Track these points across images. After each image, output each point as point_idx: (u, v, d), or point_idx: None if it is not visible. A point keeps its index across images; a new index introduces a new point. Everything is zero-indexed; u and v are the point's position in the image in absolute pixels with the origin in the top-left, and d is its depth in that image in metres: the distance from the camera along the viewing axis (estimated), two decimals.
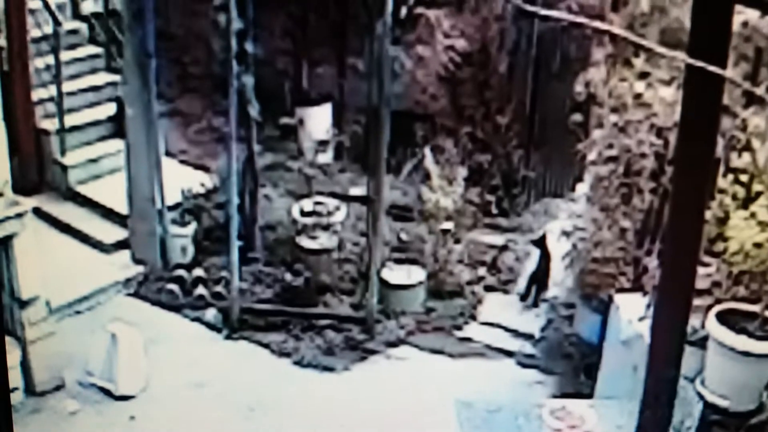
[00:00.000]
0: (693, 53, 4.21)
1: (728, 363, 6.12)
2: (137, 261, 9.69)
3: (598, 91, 8.40)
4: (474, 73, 10.70)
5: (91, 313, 9.11)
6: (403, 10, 9.34)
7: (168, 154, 10.60)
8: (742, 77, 6.98)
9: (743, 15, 6.92)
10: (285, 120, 11.25)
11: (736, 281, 6.57)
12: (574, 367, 8.62)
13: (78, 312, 9.09)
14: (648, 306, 6.94)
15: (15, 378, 7.80)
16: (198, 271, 9.58)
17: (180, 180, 10.13)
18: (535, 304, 9.54)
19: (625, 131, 8.03)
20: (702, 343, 6.31)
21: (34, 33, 10.20)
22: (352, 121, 11.40)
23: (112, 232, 9.94)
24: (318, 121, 11.38)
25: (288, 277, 9.38)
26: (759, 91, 6.72)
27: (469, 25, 10.51)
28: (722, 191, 6.67)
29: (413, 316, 9.32)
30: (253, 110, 9.29)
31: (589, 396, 7.71)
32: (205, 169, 10.59)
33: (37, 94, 10.30)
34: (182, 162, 10.96)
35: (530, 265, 9.83)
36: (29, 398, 8.03)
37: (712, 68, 4.04)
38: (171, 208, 9.73)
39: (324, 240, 9.56)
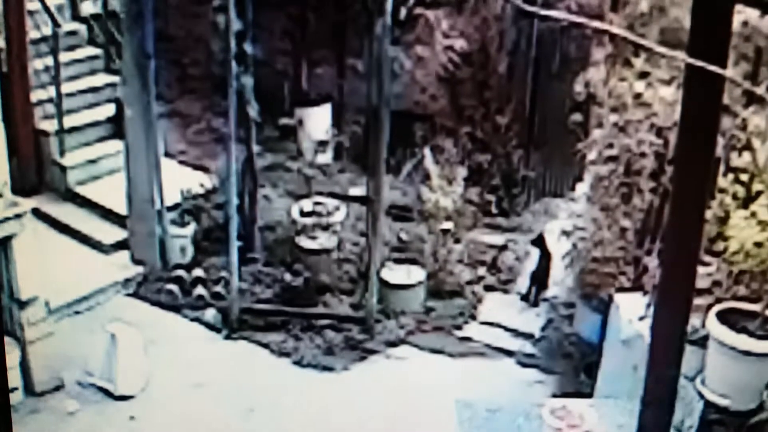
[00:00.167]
0: (693, 53, 4.21)
1: (729, 362, 6.12)
2: (136, 261, 9.68)
3: (598, 91, 8.40)
4: (473, 73, 10.69)
5: (90, 314, 9.10)
6: (403, 11, 9.34)
7: (167, 154, 10.61)
8: (742, 77, 6.98)
9: (743, 14, 6.93)
10: (284, 120, 11.25)
11: (736, 280, 6.57)
12: (574, 366, 8.62)
13: (77, 312, 9.08)
14: (648, 305, 6.94)
15: (14, 378, 7.79)
16: (197, 272, 9.57)
17: (179, 180, 10.12)
18: (535, 304, 9.55)
19: (625, 131, 8.03)
20: (702, 342, 6.31)
21: (33, 34, 10.19)
22: (351, 122, 11.39)
23: (111, 233, 9.93)
24: (317, 121, 11.37)
25: (287, 277, 9.38)
26: (759, 90, 6.73)
27: (469, 25, 10.50)
28: (722, 191, 6.68)
29: (413, 315, 9.31)
30: (253, 111, 9.28)
31: (590, 395, 7.70)
32: (205, 169, 10.59)
33: (36, 96, 10.28)
34: (181, 163, 10.95)
35: (530, 264, 9.83)
36: (29, 398, 8.01)
37: (712, 68, 4.05)
38: (170, 209, 9.73)
39: (323, 240, 9.56)
